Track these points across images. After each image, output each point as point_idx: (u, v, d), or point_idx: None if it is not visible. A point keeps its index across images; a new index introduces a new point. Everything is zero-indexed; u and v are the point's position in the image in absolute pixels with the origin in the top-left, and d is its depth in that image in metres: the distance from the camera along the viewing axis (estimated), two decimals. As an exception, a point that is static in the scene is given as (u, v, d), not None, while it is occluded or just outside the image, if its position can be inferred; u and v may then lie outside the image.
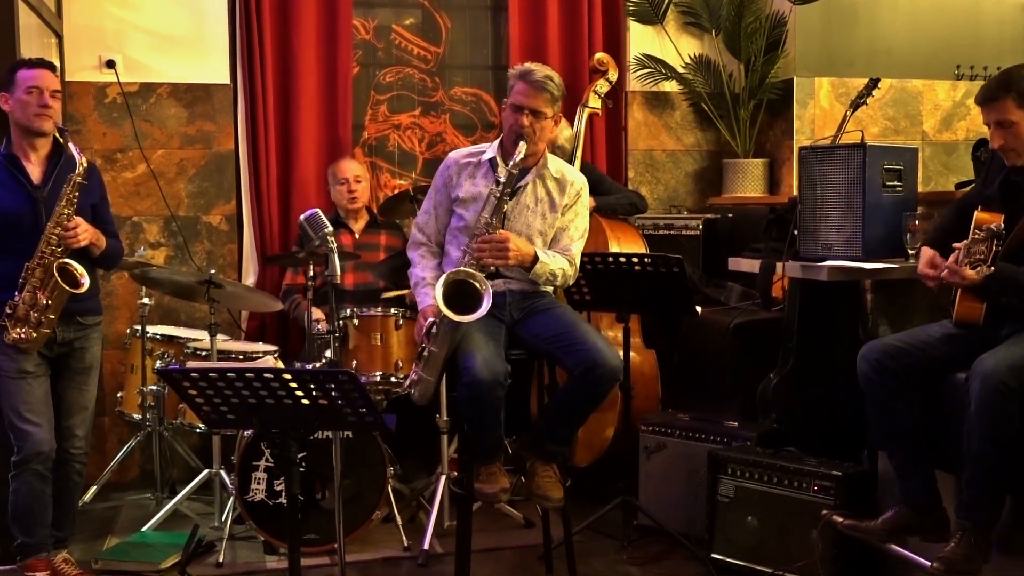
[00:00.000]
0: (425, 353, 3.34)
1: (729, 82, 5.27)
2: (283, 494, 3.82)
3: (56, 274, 3.36)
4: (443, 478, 4.19)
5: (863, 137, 3.69)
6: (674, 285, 3.82)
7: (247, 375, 2.51)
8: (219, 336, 4.22)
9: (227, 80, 4.98)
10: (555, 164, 3.57)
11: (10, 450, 3.47)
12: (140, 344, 4.42)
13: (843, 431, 3.78)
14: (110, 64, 4.80)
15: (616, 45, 5.32)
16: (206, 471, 4.32)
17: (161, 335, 4.48)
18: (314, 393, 2.54)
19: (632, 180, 5.41)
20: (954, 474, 3.17)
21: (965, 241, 3.03)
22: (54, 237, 3.38)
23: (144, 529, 4.16)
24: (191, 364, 4.16)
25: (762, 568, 3.62)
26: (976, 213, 3.11)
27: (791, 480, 3.62)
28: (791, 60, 5.13)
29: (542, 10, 5.20)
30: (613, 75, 4.92)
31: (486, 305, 3.19)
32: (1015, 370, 2.87)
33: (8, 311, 3.39)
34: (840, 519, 3.36)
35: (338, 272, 3.49)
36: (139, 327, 4.44)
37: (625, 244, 4.62)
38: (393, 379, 4.23)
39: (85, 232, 3.43)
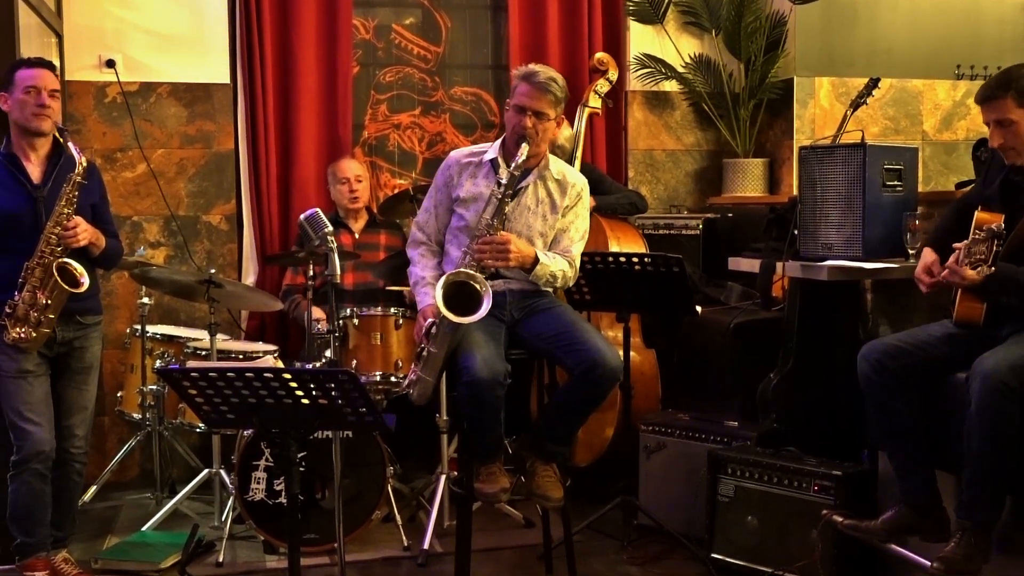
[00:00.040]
0: (424, 353, 3.34)
1: (729, 82, 5.27)
2: (283, 494, 3.82)
3: (56, 274, 3.36)
4: (443, 478, 4.19)
5: (863, 137, 3.69)
6: (674, 285, 3.82)
7: (247, 375, 2.51)
8: (219, 336, 4.22)
9: (227, 80, 4.98)
10: (556, 165, 3.57)
11: (10, 449, 3.47)
12: (140, 344, 4.42)
13: (843, 431, 3.78)
14: (110, 64, 4.80)
15: (616, 45, 5.32)
16: (206, 471, 4.32)
17: (161, 335, 4.48)
18: (314, 393, 2.54)
19: (632, 180, 5.41)
20: (954, 474, 3.17)
21: (965, 241, 3.02)
22: (54, 237, 3.38)
23: (144, 529, 4.16)
24: (191, 364, 4.16)
25: (762, 568, 3.62)
26: (976, 213, 3.11)
27: (791, 480, 3.62)
28: (791, 60, 5.13)
29: (542, 10, 5.20)
30: (613, 75, 4.92)
31: (486, 307, 3.19)
32: (1015, 370, 2.87)
33: (8, 311, 3.39)
34: (840, 519, 3.36)
35: (338, 272, 3.48)
36: (139, 327, 4.44)
37: (625, 244, 4.62)
38: (393, 379, 4.22)
39: (85, 232, 3.43)
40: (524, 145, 3.36)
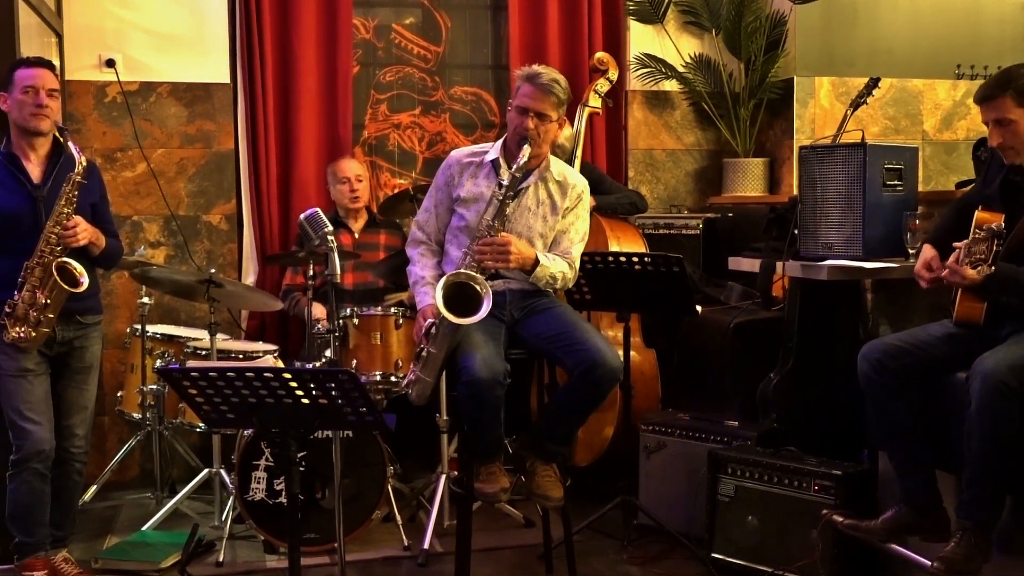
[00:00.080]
0: (423, 354, 3.34)
1: (729, 81, 5.27)
2: (283, 493, 3.82)
3: (55, 273, 3.36)
4: (443, 477, 4.19)
5: (863, 136, 3.69)
6: (674, 284, 3.82)
7: (247, 374, 2.51)
8: (219, 335, 4.22)
9: (227, 79, 4.97)
10: (557, 167, 3.57)
11: (9, 449, 3.47)
12: (140, 343, 4.42)
13: (843, 431, 3.78)
14: (110, 63, 4.80)
15: (616, 44, 5.32)
16: (206, 470, 4.32)
17: (161, 334, 4.48)
18: (314, 392, 2.54)
19: (632, 179, 5.41)
20: (954, 474, 3.17)
21: (966, 240, 3.03)
22: (53, 236, 3.38)
23: (144, 528, 4.16)
24: (191, 363, 4.16)
25: (762, 568, 3.62)
26: (976, 213, 3.11)
27: (791, 480, 3.62)
28: (791, 59, 5.13)
29: (542, 9, 5.20)
30: (613, 74, 4.92)
31: (486, 308, 3.19)
32: (1015, 370, 2.87)
33: (7, 310, 3.39)
34: (840, 519, 3.36)
35: (338, 271, 3.48)
36: (139, 326, 4.44)
37: (625, 243, 4.62)
38: (393, 378, 4.22)
39: (84, 231, 3.43)
40: (526, 147, 3.35)
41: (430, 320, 3.32)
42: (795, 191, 4.31)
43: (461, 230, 3.50)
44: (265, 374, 2.51)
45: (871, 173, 3.62)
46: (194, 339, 4.43)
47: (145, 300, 4.44)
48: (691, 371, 4.50)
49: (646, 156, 5.45)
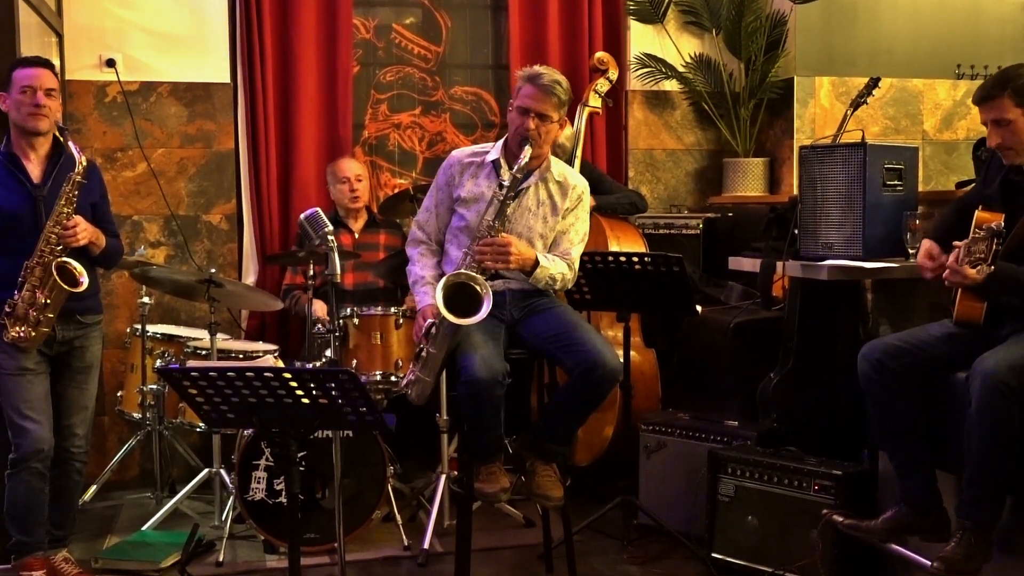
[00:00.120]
0: (423, 354, 3.34)
1: (729, 81, 5.27)
2: (283, 493, 3.82)
3: (55, 273, 3.36)
4: (443, 477, 4.19)
5: (863, 136, 3.68)
6: (674, 284, 3.82)
7: (247, 374, 2.51)
8: (219, 335, 4.22)
9: (227, 79, 4.98)
10: (558, 167, 3.57)
11: (8, 448, 3.47)
12: (140, 343, 4.42)
13: (843, 431, 3.78)
14: (110, 63, 4.80)
15: (616, 44, 5.32)
16: (206, 470, 4.32)
17: (161, 334, 4.48)
18: (314, 392, 2.54)
19: (632, 179, 5.41)
20: (954, 474, 3.17)
21: (965, 240, 3.03)
22: (53, 236, 3.38)
23: (144, 528, 4.16)
24: (191, 363, 4.16)
25: (762, 568, 3.62)
26: (977, 212, 3.11)
27: (791, 480, 3.61)
28: (791, 59, 5.13)
29: (542, 9, 5.20)
30: (613, 74, 4.92)
31: (486, 308, 3.19)
32: (1015, 370, 2.87)
33: (7, 310, 3.39)
34: (840, 519, 3.36)
35: (338, 271, 3.48)
36: (139, 326, 4.44)
37: (625, 243, 4.61)
38: (393, 378, 4.22)
39: (84, 231, 3.43)
40: (527, 147, 3.35)
41: (430, 320, 3.32)
42: (795, 191, 4.31)
43: (461, 230, 3.50)
44: (265, 374, 2.51)
45: (871, 173, 3.62)
46: (194, 339, 4.43)
47: (145, 300, 4.44)
48: (691, 371, 4.50)
49: (646, 156, 5.45)
